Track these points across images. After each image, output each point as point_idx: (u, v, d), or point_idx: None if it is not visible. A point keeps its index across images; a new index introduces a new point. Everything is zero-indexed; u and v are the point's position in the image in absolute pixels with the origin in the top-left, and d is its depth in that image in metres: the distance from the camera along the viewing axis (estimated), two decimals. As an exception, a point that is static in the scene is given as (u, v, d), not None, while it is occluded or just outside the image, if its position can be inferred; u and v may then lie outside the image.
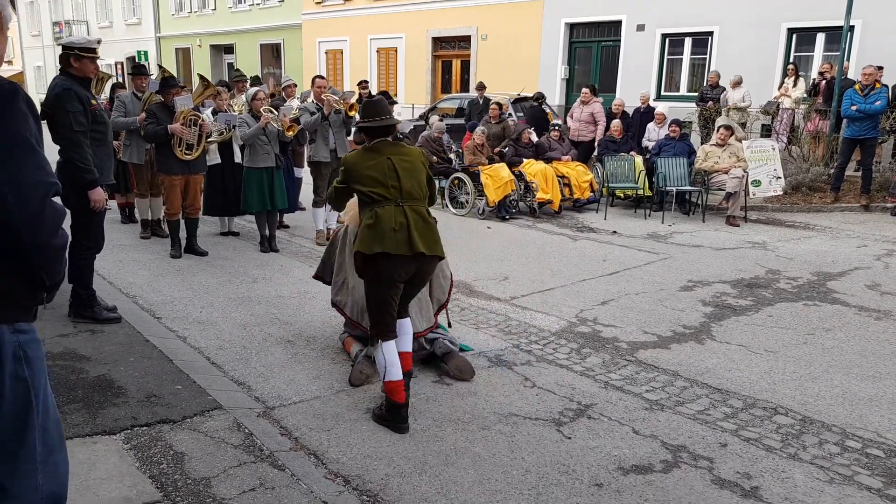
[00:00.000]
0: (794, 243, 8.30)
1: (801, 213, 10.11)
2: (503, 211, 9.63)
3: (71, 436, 3.24)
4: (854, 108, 9.54)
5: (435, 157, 10.09)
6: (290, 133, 7.59)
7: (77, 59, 4.56)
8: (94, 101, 4.67)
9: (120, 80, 11.85)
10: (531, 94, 13.66)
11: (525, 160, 10.30)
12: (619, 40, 16.16)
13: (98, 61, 4.84)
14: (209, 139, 6.99)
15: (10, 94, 1.77)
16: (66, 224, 1.89)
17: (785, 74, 12.73)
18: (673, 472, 3.25)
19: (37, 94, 34.79)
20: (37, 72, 36.45)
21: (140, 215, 8.18)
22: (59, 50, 4.93)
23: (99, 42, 4.85)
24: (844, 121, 10.10)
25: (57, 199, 1.85)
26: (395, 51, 21.40)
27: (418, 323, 4.24)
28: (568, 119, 12.51)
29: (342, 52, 22.92)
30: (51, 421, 1.98)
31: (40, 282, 1.88)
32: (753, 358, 4.69)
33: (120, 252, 7.29)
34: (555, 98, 16.85)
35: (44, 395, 1.94)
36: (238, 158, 7.63)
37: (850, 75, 11.74)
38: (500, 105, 11.52)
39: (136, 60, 26.69)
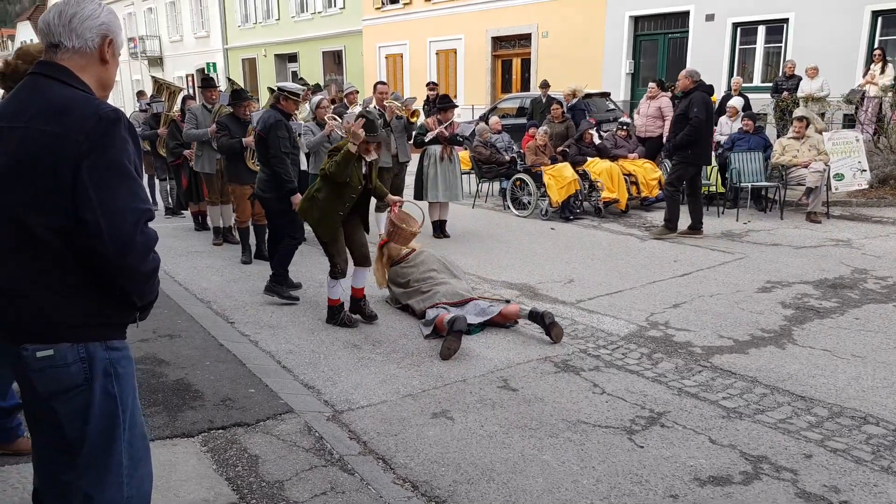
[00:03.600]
0: (881, 240, 7.84)
1: (890, 208, 9.54)
2: (567, 211, 9.47)
3: (153, 438, 3.35)
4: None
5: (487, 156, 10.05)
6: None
7: (285, 99, 5.91)
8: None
9: (190, 92, 12.30)
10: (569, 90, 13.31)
11: (589, 159, 10.12)
12: (687, 31, 15.69)
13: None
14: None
15: (112, 122, 1.81)
16: (163, 245, 1.94)
17: (870, 60, 12.03)
18: (754, 484, 3.10)
19: (113, 109, 36.65)
20: (114, 87, 38.31)
21: (212, 223, 8.46)
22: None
23: (303, 87, 6.41)
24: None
25: (150, 226, 1.89)
26: (455, 52, 21.43)
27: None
28: (635, 115, 12.22)
29: (402, 56, 23.12)
30: (137, 436, 2.02)
31: (132, 303, 1.94)
32: (839, 363, 4.44)
33: (195, 258, 7.56)
34: (619, 94, 16.52)
35: (131, 411, 1.99)
36: (304, 166, 7.78)
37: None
38: (561, 104, 11.36)
39: (206, 72, 27.67)
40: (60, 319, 1.86)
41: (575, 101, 11.81)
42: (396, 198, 5.41)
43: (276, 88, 7.49)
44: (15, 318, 1.86)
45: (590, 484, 3.12)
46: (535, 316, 4.97)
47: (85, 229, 1.78)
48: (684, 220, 8.33)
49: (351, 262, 5.33)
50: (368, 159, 4.95)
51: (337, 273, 5.17)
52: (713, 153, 10.13)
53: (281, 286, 5.90)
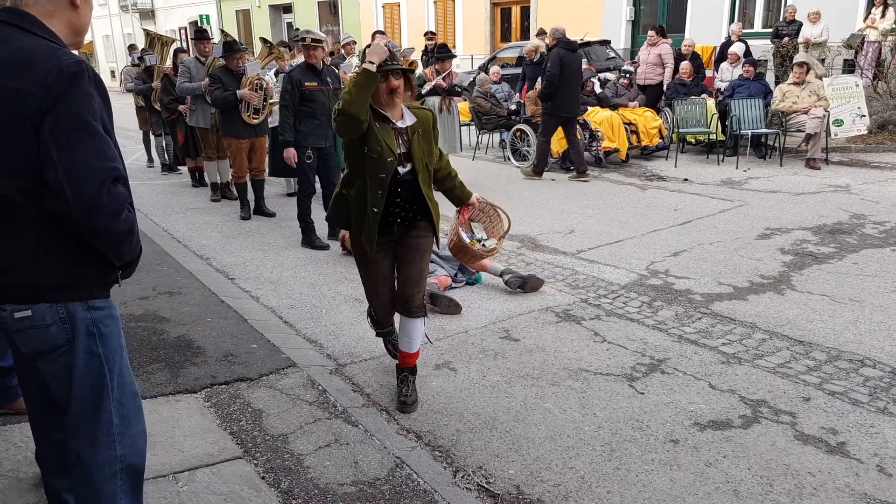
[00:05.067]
0: (880, 185, 7.81)
1: (888, 153, 9.48)
2: (568, 162, 9.39)
3: (155, 395, 3.39)
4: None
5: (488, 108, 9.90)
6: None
7: (305, 48, 5.89)
8: (308, 84, 5.78)
9: (183, 45, 12.05)
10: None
11: (589, 108, 9.98)
12: (688, -24, 15.29)
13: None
14: (272, 101, 7.04)
15: (74, 75, 1.71)
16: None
17: (871, 4, 11.79)
18: (753, 427, 3.15)
19: (107, 62, 35.92)
20: (105, 41, 37.43)
21: (209, 178, 8.38)
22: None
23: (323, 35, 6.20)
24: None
25: (119, 186, 1.80)
26: (453, 1, 20.96)
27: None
28: (636, 61, 12.02)
29: (399, 6, 22.61)
30: (127, 395, 2.00)
31: (110, 262, 1.89)
32: (837, 308, 4.46)
33: (192, 215, 7.52)
34: (620, 41, 16.20)
35: (119, 370, 1.97)
36: None
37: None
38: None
39: (198, 24, 27.07)
40: (37, 280, 1.82)
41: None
42: (476, 197, 3.69)
43: (267, 40, 7.32)
44: None
45: (591, 430, 3.16)
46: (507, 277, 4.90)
47: (51, 191, 1.72)
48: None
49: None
50: (396, 121, 3.18)
51: (373, 321, 3.68)
52: (714, 99, 10.03)
53: (309, 237, 6.20)
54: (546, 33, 13.18)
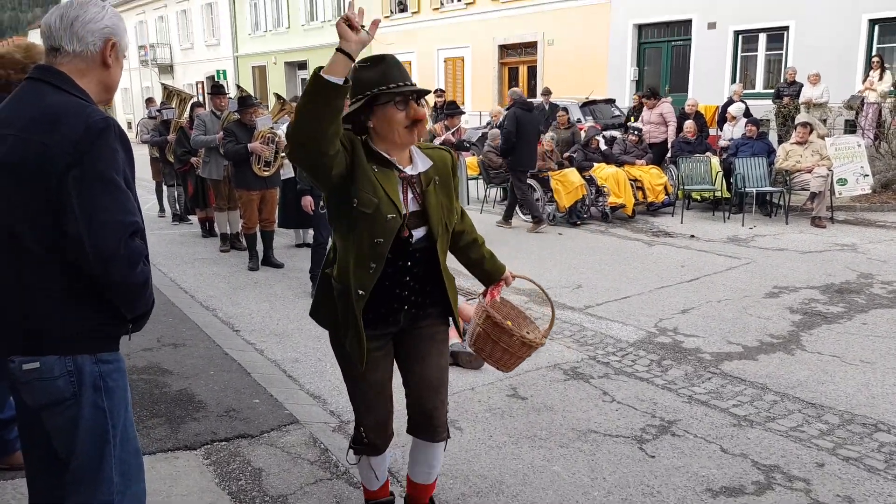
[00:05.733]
0: (886, 244, 7.79)
1: (893, 213, 9.51)
2: (574, 216, 9.46)
3: (154, 451, 3.32)
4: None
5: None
6: None
7: None
8: None
9: (200, 99, 12.35)
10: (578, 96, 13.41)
11: (595, 164, 10.10)
12: (690, 39, 15.70)
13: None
14: (283, 155, 7.16)
15: (101, 131, 1.76)
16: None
17: (869, 67, 12.05)
18: (766, 494, 3.05)
19: (124, 114, 36.68)
20: (124, 94, 38.33)
21: (219, 229, 8.45)
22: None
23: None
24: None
25: (137, 239, 1.82)
26: (462, 60, 21.49)
27: None
28: (638, 121, 12.24)
29: (410, 64, 23.18)
30: (129, 452, 1.97)
31: (122, 315, 1.89)
32: (848, 369, 4.39)
33: (201, 265, 7.54)
34: (625, 100, 16.51)
35: (123, 426, 1.94)
36: None
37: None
38: (567, 111, 11.37)
39: (216, 79, 27.75)
40: (48, 331, 1.82)
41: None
42: (508, 273, 2.62)
43: (280, 96, 7.51)
44: (3, 329, 1.83)
45: (601, 496, 3.07)
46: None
47: (70, 242, 1.75)
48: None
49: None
50: (404, 167, 2.24)
51: (361, 444, 2.54)
52: (718, 157, 10.14)
53: (314, 285, 6.13)
54: (551, 93, 13.52)
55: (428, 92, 2.28)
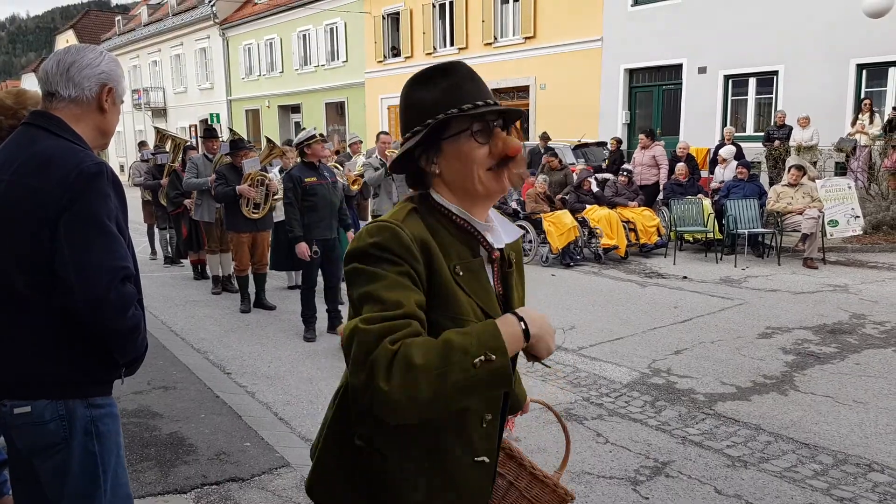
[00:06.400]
0: (878, 285, 7.84)
1: (884, 254, 9.59)
2: (567, 258, 9.51)
3: (144, 494, 3.28)
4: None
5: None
6: (355, 187, 7.78)
7: (308, 147, 5.98)
8: (307, 179, 5.92)
9: (192, 142, 12.44)
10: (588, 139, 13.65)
11: (588, 206, 10.21)
12: (681, 83, 15.99)
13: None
14: (276, 197, 7.21)
15: (93, 176, 1.76)
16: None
17: (858, 110, 12.27)
18: (761, 536, 3.02)
19: (116, 157, 36.91)
20: (117, 137, 38.75)
21: (211, 271, 8.46)
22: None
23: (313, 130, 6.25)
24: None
25: (128, 284, 1.81)
26: (455, 103, 21.80)
27: None
28: (630, 164, 12.42)
29: (404, 108, 23.51)
30: (120, 497, 1.95)
31: (114, 359, 1.88)
32: (842, 410, 4.38)
33: (192, 308, 7.53)
34: (617, 143, 16.76)
35: (114, 471, 1.92)
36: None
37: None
38: (557, 154, 11.52)
39: (209, 123, 28.05)
40: (39, 375, 1.81)
41: None
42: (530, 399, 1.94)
43: (270, 139, 7.61)
44: None
45: (593, 538, 3.04)
46: None
47: (60, 286, 1.74)
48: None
49: None
50: (486, 234, 1.44)
51: None
52: (710, 199, 10.27)
53: (307, 327, 6.26)
54: (549, 138, 13.70)
55: (521, 114, 1.58)
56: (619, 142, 14.46)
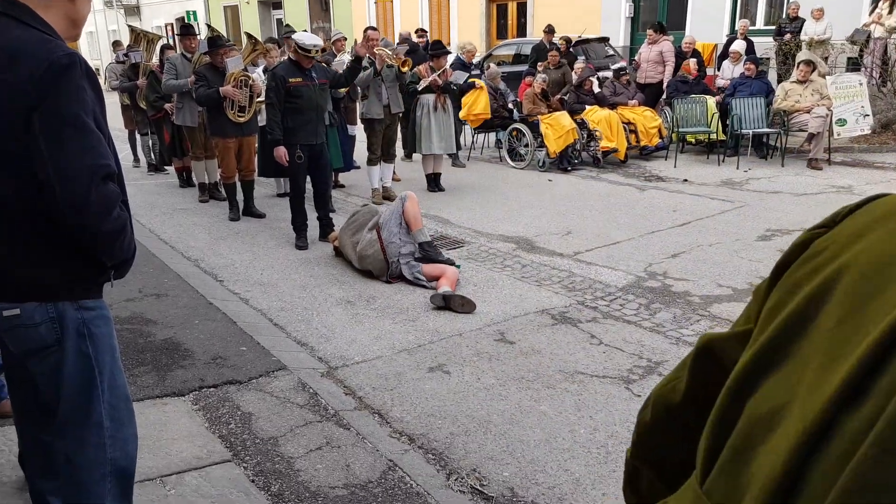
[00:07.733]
0: (883, 186, 7.73)
1: (892, 154, 9.39)
2: (565, 162, 9.29)
3: (142, 397, 3.31)
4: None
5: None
6: (405, 68, 7.45)
7: (295, 53, 5.83)
8: (292, 80, 5.71)
9: (169, 41, 11.80)
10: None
11: (588, 107, 9.89)
12: (688, -27, 15.21)
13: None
14: (259, 100, 6.91)
15: (64, 68, 1.66)
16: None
17: (877, 0, 11.63)
18: (752, 432, 3.06)
19: (91, 60, 35.52)
20: (89, 37, 36.87)
21: (197, 178, 8.21)
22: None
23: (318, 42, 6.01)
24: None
25: (110, 183, 1.75)
26: (447, -3, 20.85)
27: None
28: (636, 59, 11.96)
29: (392, 2, 22.47)
30: (118, 397, 1.97)
31: (102, 262, 1.85)
32: (839, 310, 4.38)
33: (180, 216, 7.41)
34: (619, 39, 16.10)
35: (110, 373, 1.94)
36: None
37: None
38: (559, 50, 11.02)
39: (185, 20, 26.87)
40: (27, 278, 1.79)
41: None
42: None
43: (251, 35, 7.22)
44: None
45: (587, 433, 3.09)
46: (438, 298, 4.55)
47: (40, 188, 1.68)
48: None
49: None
50: None
51: None
52: (715, 98, 9.95)
53: (299, 236, 6.15)
54: (554, 31, 13.00)
55: None
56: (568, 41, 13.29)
